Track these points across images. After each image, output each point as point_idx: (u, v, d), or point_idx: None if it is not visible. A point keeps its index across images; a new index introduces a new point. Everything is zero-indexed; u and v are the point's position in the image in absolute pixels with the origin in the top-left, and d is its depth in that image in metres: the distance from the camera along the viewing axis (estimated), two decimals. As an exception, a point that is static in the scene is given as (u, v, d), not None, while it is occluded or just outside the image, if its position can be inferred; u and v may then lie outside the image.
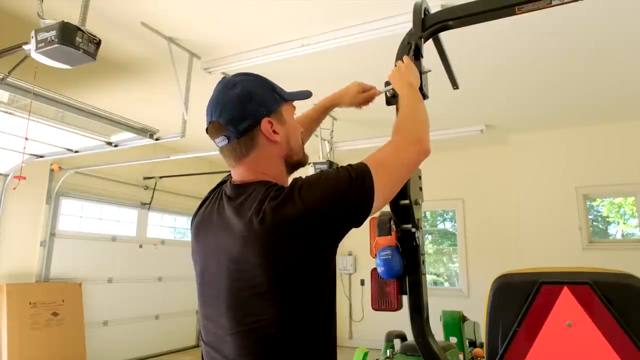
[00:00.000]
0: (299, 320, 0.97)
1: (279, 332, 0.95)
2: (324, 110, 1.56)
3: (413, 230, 1.46)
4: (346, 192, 0.96)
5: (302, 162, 1.18)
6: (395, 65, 1.46)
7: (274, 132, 1.08)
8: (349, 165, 1.03)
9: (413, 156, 1.12)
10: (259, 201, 0.98)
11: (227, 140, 1.07)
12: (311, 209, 0.94)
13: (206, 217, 1.13)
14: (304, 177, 1.03)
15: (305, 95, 1.18)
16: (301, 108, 1.29)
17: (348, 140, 5.76)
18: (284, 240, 0.94)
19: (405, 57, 1.46)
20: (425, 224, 7.26)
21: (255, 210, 0.97)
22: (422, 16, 1.57)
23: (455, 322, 3.29)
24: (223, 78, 1.17)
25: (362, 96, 1.54)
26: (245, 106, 1.07)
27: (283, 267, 0.95)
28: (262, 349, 0.96)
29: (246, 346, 0.97)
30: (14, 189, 4.76)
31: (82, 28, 2.36)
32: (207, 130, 1.11)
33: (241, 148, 1.08)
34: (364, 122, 5.30)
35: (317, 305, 1.00)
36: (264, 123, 1.07)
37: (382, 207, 1.04)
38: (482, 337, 2.42)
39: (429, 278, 7.17)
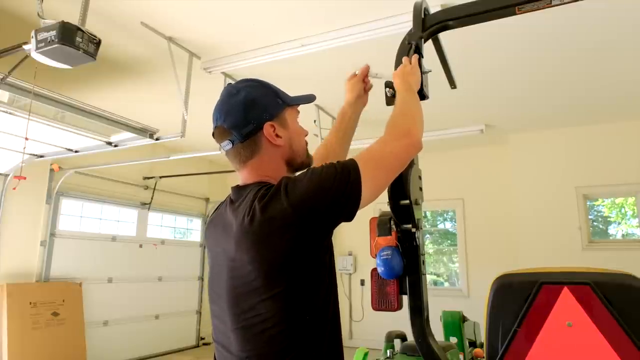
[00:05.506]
0: (294, 316, 0.98)
1: (276, 328, 0.97)
2: (342, 115, 1.52)
3: (413, 230, 1.46)
4: (331, 187, 0.98)
5: (305, 164, 1.20)
6: (402, 62, 1.45)
7: (277, 135, 1.12)
8: (337, 161, 1.04)
9: (402, 148, 1.13)
10: (251, 201, 1.02)
11: (231, 145, 1.12)
12: (296, 205, 0.96)
13: (215, 218, 1.19)
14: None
15: (308, 99, 1.21)
16: (304, 111, 1.29)
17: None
18: (272, 237, 0.97)
19: (413, 57, 1.44)
20: (426, 223, 7.26)
21: (247, 210, 1.01)
22: (422, 16, 1.56)
23: (455, 322, 3.29)
24: (228, 84, 1.21)
25: (358, 80, 1.53)
26: (248, 111, 1.11)
27: (274, 263, 0.97)
28: (261, 344, 0.98)
29: (247, 341, 1.00)
30: (14, 189, 4.76)
31: (82, 28, 2.36)
32: (213, 134, 1.16)
33: (245, 152, 1.12)
34: (364, 122, 5.27)
35: (312, 302, 1.01)
36: (267, 127, 1.11)
37: (372, 200, 1.04)
38: (482, 337, 2.42)
39: (429, 278, 7.17)
